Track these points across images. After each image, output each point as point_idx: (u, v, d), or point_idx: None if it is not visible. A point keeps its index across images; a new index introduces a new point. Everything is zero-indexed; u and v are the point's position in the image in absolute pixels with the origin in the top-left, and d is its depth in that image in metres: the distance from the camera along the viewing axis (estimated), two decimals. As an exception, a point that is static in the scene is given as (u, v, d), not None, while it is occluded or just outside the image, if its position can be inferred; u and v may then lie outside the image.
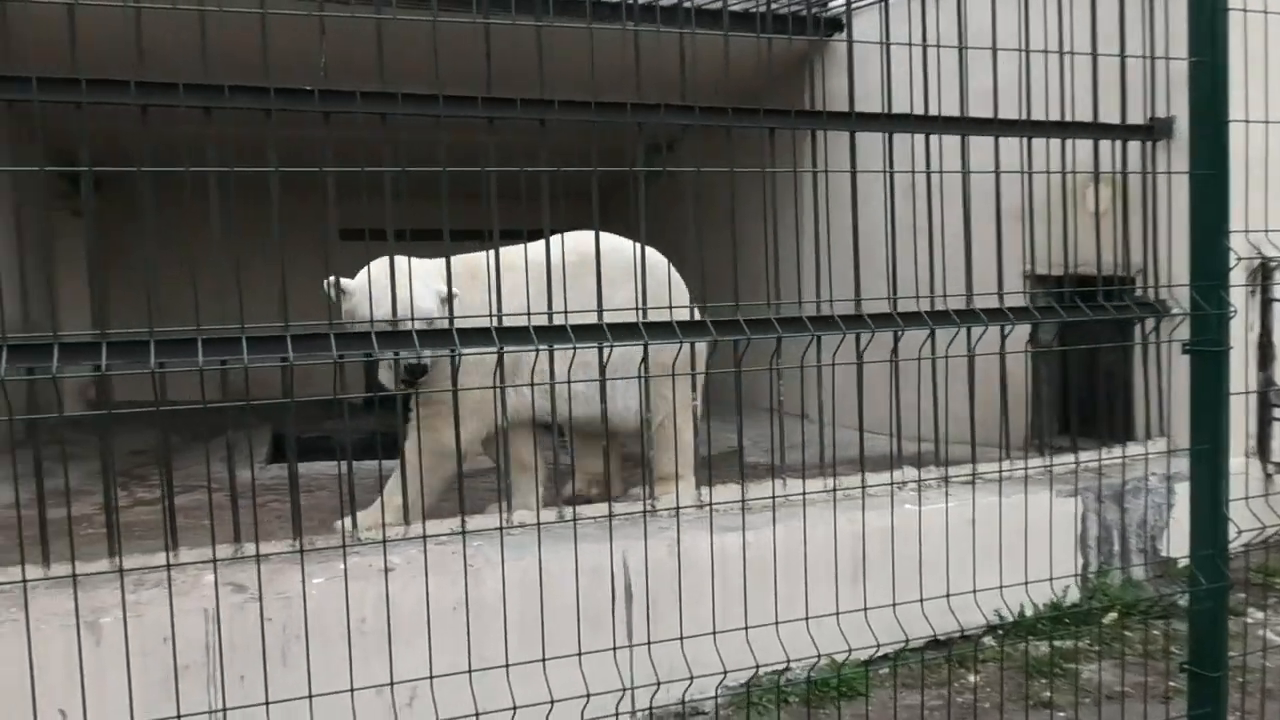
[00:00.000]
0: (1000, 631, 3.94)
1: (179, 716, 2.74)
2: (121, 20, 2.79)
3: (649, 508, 3.80)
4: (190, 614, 2.89)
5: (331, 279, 3.84)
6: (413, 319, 3.47)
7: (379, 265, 3.74)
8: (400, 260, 3.66)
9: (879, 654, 3.55)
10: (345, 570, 2.97)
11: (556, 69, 3.21)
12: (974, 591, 3.70)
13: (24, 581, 2.63)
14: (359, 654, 3.01)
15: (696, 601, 3.45)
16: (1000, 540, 3.73)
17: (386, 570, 3.17)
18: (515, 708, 3.01)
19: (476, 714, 2.94)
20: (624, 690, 3.15)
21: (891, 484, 3.91)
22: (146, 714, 2.77)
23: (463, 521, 3.45)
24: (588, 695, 3.04)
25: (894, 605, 3.52)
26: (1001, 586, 3.70)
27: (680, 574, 3.37)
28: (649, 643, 3.32)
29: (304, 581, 2.96)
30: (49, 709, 2.74)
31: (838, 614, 3.47)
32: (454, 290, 3.83)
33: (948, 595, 3.64)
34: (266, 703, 2.80)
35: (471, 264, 4.17)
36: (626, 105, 3.41)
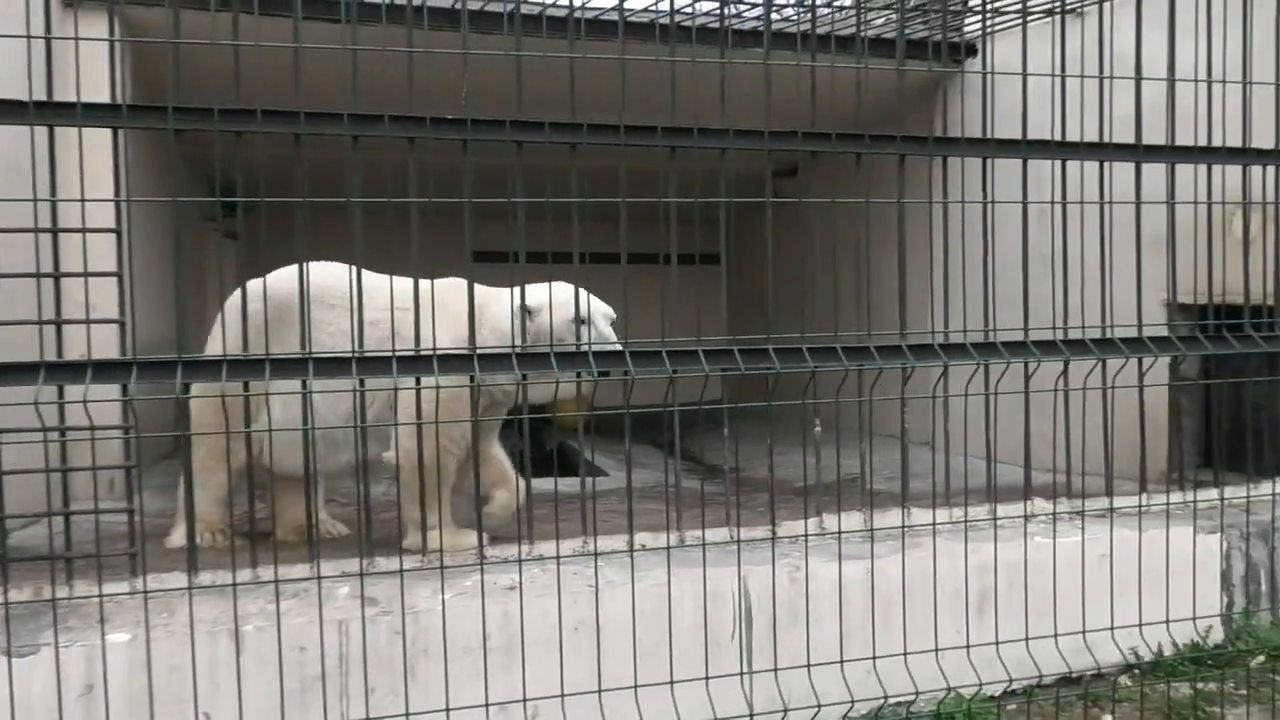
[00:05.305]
0: (1137, 671, 3.79)
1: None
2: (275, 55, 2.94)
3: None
4: (325, 625, 2.98)
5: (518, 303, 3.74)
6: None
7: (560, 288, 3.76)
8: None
9: (1010, 689, 3.47)
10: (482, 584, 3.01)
11: (684, 98, 3.26)
12: (1111, 629, 3.57)
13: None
14: (480, 671, 3.04)
15: (817, 629, 3.41)
16: (1139, 576, 3.59)
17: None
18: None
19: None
20: (749, 717, 3.14)
21: (1026, 515, 3.79)
22: (284, 720, 2.87)
23: (595, 544, 3.48)
24: (714, 720, 3.04)
25: (1027, 640, 3.43)
26: (1141, 624, 3.57)
27: (807, 600, 3.34)
28: (776, 669, 3.28)
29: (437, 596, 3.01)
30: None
31: (968, 646, 3.40)
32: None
33: (1084, 631, 3.52)
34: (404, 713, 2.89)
35: None
36: (764, 133, 3.36)
